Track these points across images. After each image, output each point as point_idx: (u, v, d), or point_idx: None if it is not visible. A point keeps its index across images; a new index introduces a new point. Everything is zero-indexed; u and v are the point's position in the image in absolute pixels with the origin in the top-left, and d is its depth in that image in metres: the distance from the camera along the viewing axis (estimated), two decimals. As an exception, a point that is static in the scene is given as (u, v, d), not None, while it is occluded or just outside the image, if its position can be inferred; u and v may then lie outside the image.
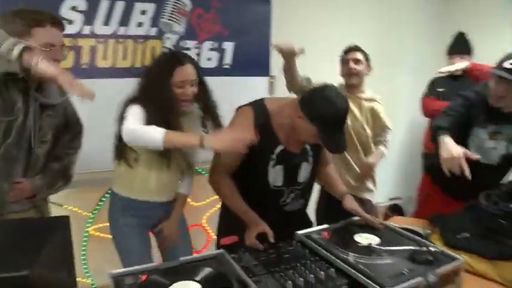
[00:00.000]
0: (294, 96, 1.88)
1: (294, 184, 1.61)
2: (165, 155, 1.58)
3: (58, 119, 1.56)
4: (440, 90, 2.95)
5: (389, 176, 3.78)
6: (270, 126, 1.51)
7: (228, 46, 2.42)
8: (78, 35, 2.06)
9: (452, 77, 2.95)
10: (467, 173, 1.61)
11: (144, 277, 1.15)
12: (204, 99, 1.68)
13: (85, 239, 2.34)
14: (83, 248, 2.33)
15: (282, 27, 2.69)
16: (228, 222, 1.66)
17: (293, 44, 1.84)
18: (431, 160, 2.18)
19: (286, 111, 1.51)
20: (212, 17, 2.32)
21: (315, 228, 1.55)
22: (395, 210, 3.80)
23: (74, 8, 2.04)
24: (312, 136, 1.43)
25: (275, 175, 1.55)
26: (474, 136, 1.86)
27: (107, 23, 2.09)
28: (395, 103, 3.48)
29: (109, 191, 2.07)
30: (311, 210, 2.25)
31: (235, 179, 1.59)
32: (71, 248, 0.99)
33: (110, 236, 1.75)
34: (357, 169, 2.31)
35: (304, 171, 1.61)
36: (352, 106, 2.24)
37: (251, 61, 2.55)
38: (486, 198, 1.56)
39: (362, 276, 1.15)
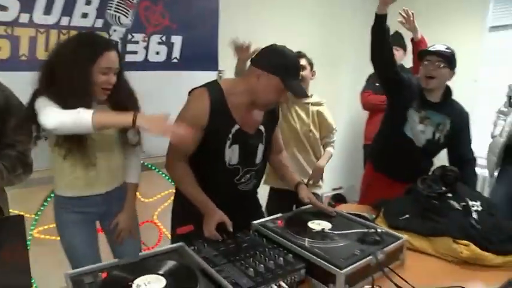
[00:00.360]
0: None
1: (251, 165, 1.64)
2: (79, 148, 1.49)
3: None
4: (377, 84, 3.17)
5: (332, 167, 3.98)
6: (226, 106, 1.52)
7: (177, 40, 2.39)
8: (15, 23, 1.90)
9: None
10: None
11: (104, 275, 1.12)
12: (120, 90, 1.59)
13: (28, 242, 2.19)
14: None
15: (229, 23, 2.72)
16: (183, 211, 1.65)
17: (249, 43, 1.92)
18: (372, 146, 2.37)
19: (240, 86, 1.54)
20: (160, 10, 2.28)
21: (269, 217, 1.60)
22: (338, 199, 4.02)
23: (8, -7, 1.88)
24: (276, 89, 1.48)
25: (231, 154, 1.57)
26: (409, 117, 2.07)
27: (48, 12, 1.96)
28: (337, 100, 3.67)
29: (52, 194, 1.98)
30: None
31: (190, 159, 1.58)
32: (26, 247, 0.96)
33: (56, 238, 1.67)
34: (308, 170, 2.43)
35: (260, 152, 1.65)
36: (300, 111, 2.36)
37: (200, 55, 2.53)
38: (422, 183, 1.72)
39: (318, 259, 1.23)
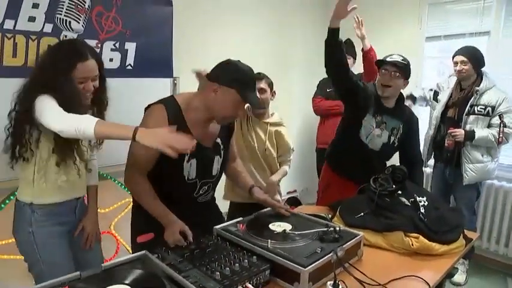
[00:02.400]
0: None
1: (208, 177, 1.66)
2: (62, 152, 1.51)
3: None
4: (328, 90, 3.31)
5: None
6: (183, 122, 1.54)
7: (130, 46, 2.34)
8: None
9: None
10: None
11: (65, 288, 1.08)
12: (100, 96, 1.64)
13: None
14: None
15: (183, 30, 2.72)
16: (142, 220, 1.63)
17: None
18: (330, 150, 2.46)
19: (196, 102, 1.56)
20: (113, 16, 2.22)
21: (231, 221, 1.63)
22: (293, 202, 4.10)
23: None
24: (233, 102, 1.50)
25: (189, 169, 1.58)
26: (366, 122, 2.18)
27: (-13, 13, 1.83)
28: (289, 105, 3.77)
29: (6, 201, 1.86)
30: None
31: (149, 173, 1.58)
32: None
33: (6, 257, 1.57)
34: (263, 183, 2.43)
35: (217, 164, 1.68)
36: (259, 130, 2.39)
37: (154, 62, 2.49)
38: (374, 182, 1.83)
39: (282, 259, 1.26)
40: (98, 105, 1.66)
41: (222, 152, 1.69)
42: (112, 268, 1.23)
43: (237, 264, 1.24)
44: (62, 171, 1.56)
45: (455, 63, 2.74)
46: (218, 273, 1.19)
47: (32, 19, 1.93)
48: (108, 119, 1.72)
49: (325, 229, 1.49)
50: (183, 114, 1.54)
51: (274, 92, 2.43)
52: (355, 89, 2.15)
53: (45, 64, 1.50)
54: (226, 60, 1.55)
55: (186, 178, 1.58)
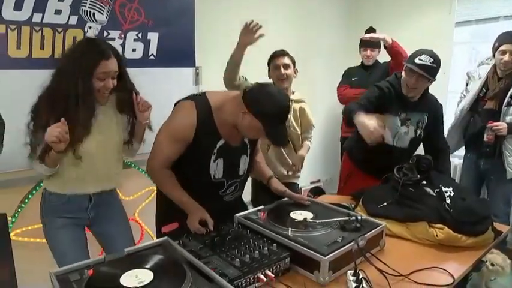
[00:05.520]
0: (232, 91, 1.92)
1: (235, 177, 1.66)
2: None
3: None
4: (353, 79, 3.26)
5: (310, 161, 4.03)
6: (212, 121, 1.53)
7: (153, 37, 2.37)
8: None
9: (364, 67, 3.31)
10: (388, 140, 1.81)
11: (90, 272, 1.12)
12: (122, 92, 1.65)
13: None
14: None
15: (205, 19, 2.72)
16: (166, 210, 1.66)
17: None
18: (349, 144, 2.42)
19: (228, 107, 1.52)
20: (136, 7, 2.25)
21: (252, 210, 1.63)
22: (316, 192, 4.08)
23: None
24: (256, 131, 1.47)
25: (216, 168, 1.58)
26: (390, 124, 2.08)
27: (19, 7, 1.90)
28: (313, 94, 3.72)
29: (33, 191, 1.93)
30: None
31: (175, 170, 1.59)
32: (9, 244, 0.94)
33: (35, 240, 1.64)
34: (290, 161, 2.49)
35: (244, 163, 1.67)
36: None
37: (176, 52, 2.52)
38: (398, 171, 1.79)
39: (302, 247, 1.26)
40: (120, 104, 1.67)
41: (248, 152, 1.68)
42: (134, 253, 1.26)
43: (257, 252, 1.24)
44: (72, 166, 1.58)
45: (503, 52, 2.42)
46: (238, 260, 1.20)
47: (58, 12, 1.98)
48: None
49: (347, 218, 1.47)
50: (212, 114, 1.52)
51: (297, 69, 2.44)
52: (376, 109, 2.05)
53: (68, 64, 1.52)
54: (265, 86, 1.49)
55: (212, 177, 1.59)
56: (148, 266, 1.12)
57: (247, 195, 2.13)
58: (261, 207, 1.65)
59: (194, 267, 1.15)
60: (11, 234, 2.14)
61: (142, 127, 1.72)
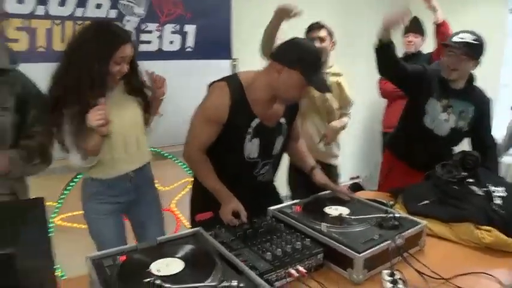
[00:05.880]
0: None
1: (269, 157, 1.64)
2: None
3: (16, 88, 1.48)
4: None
5: (350, 156, 3.93)
6: (246, 101, 1.51)
7: (190, 29, 2.39)
8: (32, 15, 1.94)
9: (405, 59, 3.15)
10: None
11: (123, 258, 1.14)
12: (132, 77, 1.66)
13: (50, 230, 2.25)
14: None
15: (242, 10, 2.70)
16: (201, 199, 1.67)
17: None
18: (392, 135, 2.33)
19: (260, 80, 1.51)
20: (173, 0, 2.28)
21: (286, 203, 1.60)
22: (355, 188, 3.98)
23: (23, -13, 1.92)
24: (297, 84, 1.44)
25: (251, 148, 1.57)
26: (430, 107, 2.00)
27: (63, 3, 1.98)
28: (353, 86, 3.60)
29: (75, 179, 1.99)
30: (283, 182, 2.34)
31: (209, 151, 1.59)
32: (48, 228, 0.97)
33: (78, 226, 1.70)
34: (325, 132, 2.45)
35: (278, 144, 1.65)
36: None
37: (213, 44, 2.54)
38: (441, 168, 1.68)
39: (336, 243, 1.22)
40: (132, 89, 1.69)
41: (285, 132, 1.65)
42: (167, 242, 1.26)
43: (289, 246, 1.21)
44: (105, 148, 1.60)
45: None
46: (269, 253, 1.17)
47: (98, 6, 2.05)
48: (169, 100, 1.80)
49: (385, 215, 1.41)
50: (245, 93, 1.51)
51: (334, 42, 2.37)
52: (415, 79, 1.99)
53: (83, 47, 1.50)
54: (291, 39, 1.48)
55: (247, 157, 1.57)
56: (179, 256, 1.12)
57: (283, 187, 2.11)
58: (296, 200, 1.61)
59: (225, 259, 1.14)
60: (56, 219, 2.26)
61: (159, 102, 1.77)
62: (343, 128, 2.50)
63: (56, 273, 1.05)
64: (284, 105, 1.60)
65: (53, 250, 1.00)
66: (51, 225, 2.25)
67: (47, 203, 2.14)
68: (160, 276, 0.99)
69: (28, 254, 0.80)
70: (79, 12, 2.02)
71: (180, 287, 0.94)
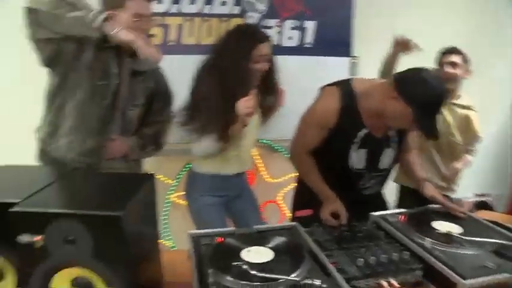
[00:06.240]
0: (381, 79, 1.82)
1: (376, 170, 1.57)
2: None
3: (149, 85, 1.69)
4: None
5: (478, 170, 3.47)
6: (356, 108, 1.47)
7: (310, 25, 2.40)
8: (167, 13, 2.21)
9: None
10: None
11: (219, 239, 1.22)
12: (269, 76, 1.73)
13: (167, 205, 2.53)
14: (165, 214, 2.53)
15: (365, 9, 2.58)
16: (304, 196, 1.68)
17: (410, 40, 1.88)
18: None
19: (375, 94, 1.44)
20: (294, -4, 2.32)
21: (392, 211, 1.51)
22: (481, 206, 3.51)
23: (163, -12, 2.19)
24: (404, 120, 1.36)
25: (357, 158, 1.52)
26: None
27: (193, 2, 2.20)
28: (489, 96, 3.16)
29: (189, 164, 2.19)
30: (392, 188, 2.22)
31: (315, 158, 1.59)
32: (155, 201, 1.09)
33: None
34: (446, 173, 2.24)
35: (387, 157, 1.56)
36: (446, 112, 2.14)
37: (333, 41, 2.50)
38: None
39: (439, 263, 1.10)
40: (266, 86, 1.76)
41: (394, 145, 1.56)
42: (263, 232, 1.30)
43: (385, 256, 1.14)
44: (233, 146, 1.73)
45: None
46: (362, 259, 1.12)
47: (223, 3, 2.22)
48: (288, 96, 1.84)
49: (506, 242, 1.21)
50: (356, 101, 1.47)
51: (470, 70, 2.12)
52: None
53: (228, 48, 1.65)
54: (421, 71, 1.35)
55: (352, 167, 1.53)
56: (270, 246, 1.15)
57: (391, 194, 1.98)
58: (402, 210, 1.51)
59: (315, 258, 1.13)
60: (173, 196, 2.52)
61: (273, 111, 1.82)
62: (467, 166, 2.24)
63: (160, 242, 1.18)
64: None
65: (159, 220, 1.13)
66: (167, 201, 2.53)
67: (166, 181, 2.42)
68: (249, 262, 1.03)
69: (135, 220, 0.91)
70: (206, 9, 2.22)
71: (264, 276, 0.97)
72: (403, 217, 1.43)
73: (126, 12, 1.47)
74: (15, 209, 0.85)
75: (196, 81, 1.69)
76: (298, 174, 1.74)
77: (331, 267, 1.06)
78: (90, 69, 1.49)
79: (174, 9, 2.22)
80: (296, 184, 1.81)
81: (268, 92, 1.77)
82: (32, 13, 1.35)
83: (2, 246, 0.92)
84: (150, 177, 1.06)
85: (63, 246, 0.84)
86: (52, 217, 0.83)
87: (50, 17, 1.33)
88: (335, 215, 1.43)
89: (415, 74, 1.35)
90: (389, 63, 2.02)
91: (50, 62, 1.48)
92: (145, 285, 1.00)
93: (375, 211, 1.47)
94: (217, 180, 1.79)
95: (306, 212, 1.54)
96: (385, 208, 1.71)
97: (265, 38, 1.65)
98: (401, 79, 1.37)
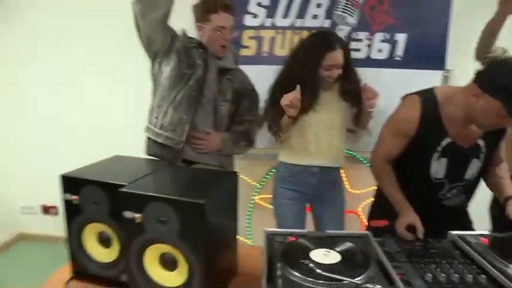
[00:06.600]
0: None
1: (459, 180, 1.52)
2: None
3: (235, 83, 1.89)
4: None
5: None
6: (439, 116, 1.45)
7: (401, 37, 2.37)
8: (261, 27, 2.40)
9: None
10: None
11: (292, 239, 1.30)
12: (347, 81, 1.79)
13: (251, 205, 2.70)
14: (248, 213, 2.70)
15: (462, 21, 2.45)
16: (381, 207, 1.67)
17: None
18: None
19: (458, 98, 1.41)
20: (385, 9, 2.31)
21: (473, 232, 1.43)
22: None
23: (259, 4, 2.39)
24: (496, 115, 1.29)
25: (438, 167, 1.49)
26: None
27: (286, 16, 2.35)
28: None
29: (273, 169, 2.33)
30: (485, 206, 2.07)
31: (395, 166, 1.59)
32: (236, 197, 1.22)
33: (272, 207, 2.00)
34: None
35: (473, 168, 1.50)
36: None
37: (425, 54, 2.42)
38: None
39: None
40: (345, 93, 1.84)
41: (481, 156, 1.49)
42: (334, 236, 1.35)
43: (457, 276, 1.10)
44: (297, 136, 1.84)
45: None
46: (431, 275, 1.10)
47: (315, 17, 2.32)
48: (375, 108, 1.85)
49: None
50: (439, 109, 1.45)
51: None
52: None
53: (298, 54, 1.78)
54: (500, 61, 1.32)
55: (432, 176, 1.51)
56: (338, 250, 1.19)
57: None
58: (485, 232, 1.42)
59: (382, 268, 1.14)
60: (257, 198, 2.68)
61: (367, 114, 1.81)
62: None
63: (239, 237, 1.30)
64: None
65: (238, 215, 1.26)
66: (251, 202, 2.69)
67: (252, 182, 2.58)
68: (316, 262, 1.10)
69: (217, 210, 1.05)
70: (298, 23, 2.34)
71: (328, 276, 1.02)
72: (484, 239, 1.35)
73: (210, 24, 1.72)
74: (123, 189, 1.05)
75: (274, 81, 1.86)
76: (377, 183, 1.75)
77: (396, 277, 1.07)
78: (178, 57, 1.75)
79: (268, 23, 2.39)
80: (375, 194, 1.81)
81: (348, 96, 1.83)
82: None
83: (113, 220, 1.13)
84: (233, 174, 1.20)
85: (156, 225, 1.02)
86: (150, 199, 1.01)
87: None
88: (411, 229, 1.41)
89: (497, 63, 1.30)
90: (490, 31, 1.83)
91: (154, 49, 1.78)
92: (221, 270, 1.14)
93: (456, 223, 1.42)
94: (293, 169, 1.89)
95: (381, 223, 1.54)
96: (467, 228, 1.63)
97: (336, 46, 1.70)
98: (480, 73, 1.32)
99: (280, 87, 1.80)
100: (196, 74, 1.79)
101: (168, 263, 1.07)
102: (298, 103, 1.66)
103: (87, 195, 1.14)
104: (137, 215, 1.02)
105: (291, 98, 1.65)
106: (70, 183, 1.16)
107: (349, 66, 1.78)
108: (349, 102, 1.85)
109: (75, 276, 1.24)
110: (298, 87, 1.65)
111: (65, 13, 2.85)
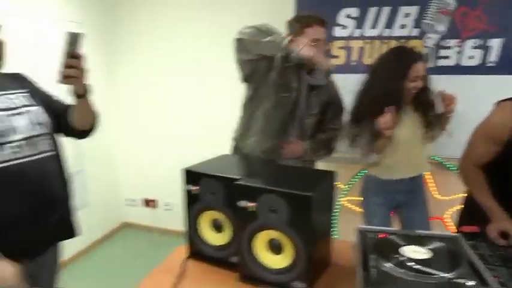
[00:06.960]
0: None
1: None
2: None
3: (323, 97, 2.01)
4: None
5: None
6: None
7: (495, 43, 2.30)
8: (350, 37, 2.50)
9: None
10: None
11: (383, 235, 1.39)
12: (421, 92, 1.84)
13: (338, 206, 2.80)
14: (335, 214, 2.81)
15: None
16: (471, 213, 1.69)
17: None
18: None
19: None
20: (478, 14, 2.27)
21: None
22: None
23: (348, 16, 2.49)
24: None
25: None
26: None
27: (374, 26, 2.43)
28: None
29: (364, 171, 2.43)
30: None
31: (487, 172, 1.60)
32: (333, 194, 1.36)
33: (358, 209, 2.09)
34: None
35: None
36: None
37: (523, 58, 2.32)
38: None
39: None
40: (420, 103, 1.89)
41: None
42: (423, 236, 1.41)
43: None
44: (389, 154, 1.90)
45: None
46: (528, 280, 1.12)
47: (403, 26, 2.35)
48: (460, 115, 1.91)
49: None
50: None
51: None
52: None
53: (382, 68, 1.85)
54: None
55: None
56: (430, 247, 1.24)
57: None
58: None
59: (473, 268, 1.16)
60: (343, 200, 2.78)
61: (446, 120, 1.87)
62: None
63: (331, 229, 1.43)
64: None
65: (333, 211, 1.39)
66: (338, 203, 2.79)
67: (339, 185, 2.70)
68: (408, 256, 1.17)
69: (319, 203, 1.20)
70: (386, 33, 2.40)
71: (420, 269, 1.09)
72: None
73: (305, 37, 1.81)
74: (239, 182, 1.23)
75: (357, 97, 1.94)
76: (466, 190, 1.75)
77: (490, 277, 1.09)
78: (275, 83, 1.88)
79: (357, 33, 2.50)
80: (464, 200, 1.81)
81: (422, 107, 1.89)
82: (238, 42, 1.84)
83: (227, 208, 1.33)
84: (331, 173, 1.34)
85: (268, 214, 1.18)
86: (263, 191, 1.18)
87: (250, 43, 1.80)
88: (504, 235, 1.41)
89: None
90: None
91: (247, 78, 1.96)
92: (320, 258, 1.27)
93: None
94: (383, 183, 1.97)
95: (471, 229, 1.53)
96: None
97: (420, 58, 1.77)
98: None
99: (362, 109, 1.89)
100: (291, 97, 1.92)
101: (275, 248, 1.23)
102: (393, 123, 1.75)
103: (206, 187, 1.34)
104: (251, 204, 1.19)
105: (387, 120, 1.74)
106: (191, 176, 1.37)
107: (425, 78, 1.84)
108: (422, 111, 1.90)
109: (191, 256, 1.44)
110: (391, 107, 1.75)
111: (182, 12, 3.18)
